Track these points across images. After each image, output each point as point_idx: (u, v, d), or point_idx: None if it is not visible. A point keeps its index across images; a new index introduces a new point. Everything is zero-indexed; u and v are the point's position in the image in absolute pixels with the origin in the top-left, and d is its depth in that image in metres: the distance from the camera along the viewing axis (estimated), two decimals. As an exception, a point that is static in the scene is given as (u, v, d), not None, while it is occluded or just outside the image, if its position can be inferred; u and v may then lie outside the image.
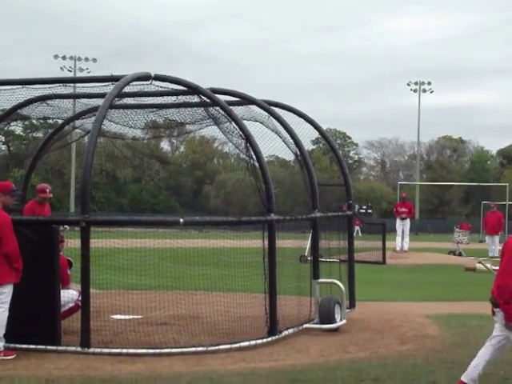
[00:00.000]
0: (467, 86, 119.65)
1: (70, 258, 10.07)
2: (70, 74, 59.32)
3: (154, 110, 11.28)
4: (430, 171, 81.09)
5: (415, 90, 70.25)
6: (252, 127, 10.52)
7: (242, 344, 8.97)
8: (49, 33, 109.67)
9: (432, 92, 70.62)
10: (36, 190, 11.67)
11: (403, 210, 26.06)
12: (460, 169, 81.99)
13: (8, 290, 8.38)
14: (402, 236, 25.71)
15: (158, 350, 8.61)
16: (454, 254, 26.93)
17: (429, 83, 70.26)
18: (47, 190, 11.65)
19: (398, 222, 25.87)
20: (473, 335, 10.17)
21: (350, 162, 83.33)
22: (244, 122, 10.13)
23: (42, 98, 11.06)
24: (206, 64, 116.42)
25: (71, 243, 10.17)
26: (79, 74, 58.80)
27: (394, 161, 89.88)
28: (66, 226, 10.01)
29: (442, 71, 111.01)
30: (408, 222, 26.01)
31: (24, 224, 8.98)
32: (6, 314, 8.35)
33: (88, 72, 60.89)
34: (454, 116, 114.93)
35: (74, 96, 11.22)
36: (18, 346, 8.56)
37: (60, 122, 12.72)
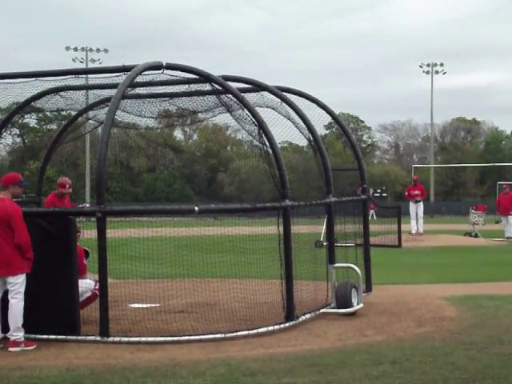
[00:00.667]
0: (480, 66, 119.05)
1: (86, 248, 10.15)
2: (82, 65, 59.44)
3: (167, 99, 11.30)
4: (445, 153, 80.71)
5: (428, 72, 69.86)
6: (264, 113, 10.52)
7: (260, 330, 9.01)
8: (59, 24, 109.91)
9: (445, 73, 70.24)
10: (57, 183, 11.68)
11: (416, 192, 25.92)
12: (474, 150, 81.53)
13: (21, 280, 8.47)
14: (416, 219, 25.62)
15: (176, 338, 8.66)
16: (470, 236, 26.84)
17: (441, 64, 69.85)
18: (66, 186, 11.61)
19: (412, 205, 25.75)
20: (490, 316, 10.16)
21: (364, 145, 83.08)
22: (256, 108, 10.12)
23: (55, 90, 11.11)
24: (216, 51, 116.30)
25: (87, 234, 10.25)
26: (91, 65, 58.91)
27: (407, 144, 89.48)
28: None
29: (455, 52, 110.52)
30: (421, 204, 25.89)
31: (41, 216, 9.05)
32: (22, 303, 8.45)
33: (100, 63, 61.01)
34: (468, 97, 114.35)
35: (87, 87, 11.26)
36: (38, 336, 8.66)
37: (73, 113, 12.78)
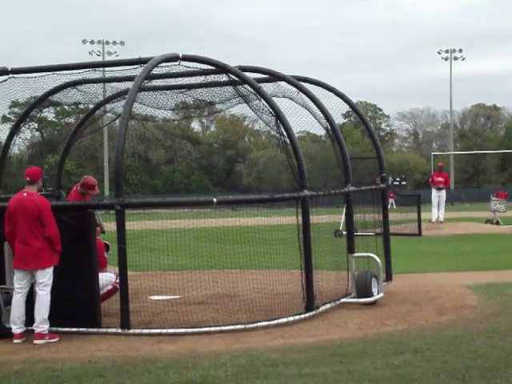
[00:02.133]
0: (500, 51, 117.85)
1: (106, 242, 10.19)
2: (99, 59, 59.66)
3: (184, 90, 11.28)
4: (464, 140, 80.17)
5: (446, 59, 69.38)
6: (282, 103, 10.49)
7: (280, 320, 9.01)
8: (76, 18, 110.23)
9: (463, 59, 69.78)
10: (82, 183, 10.74)
11: (439, 179, 25.70)
12: (495, 136, 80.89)
13: (50, 273, 8.56)
14: (437, 207, 25.45)
15: (197, 329, 8.69)
16: (491, 223, 26.63)
17: (460, 50, 69.34)
18: (96, 187, 10.82)
19: (434, 192, 25.55)
20: (512, 304, 10.08)
21: (382, 134, 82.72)
22: (273, 98, 10.10)
23: (73, 84, 11.14)
24: (232, 42, 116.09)
25: (107, 226, 10.30)
26: (108, 58, 59.10)
27: (426, 131, 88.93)
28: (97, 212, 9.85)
29: (473, 37, 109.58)
30: (444, 192, 25.67)
31: (60, 209, 9.09)
32: (49, 296, 8.53)
33: (116, 55, 61.22)
34: (488, 83, 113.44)
35: (104, 80, 11.27)
36: (60, 329, 8.71)
37: (91, 106, 12.81)
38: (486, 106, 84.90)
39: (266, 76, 11.06)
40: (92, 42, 63.05)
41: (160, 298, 10.93)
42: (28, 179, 8.79)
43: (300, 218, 9.42)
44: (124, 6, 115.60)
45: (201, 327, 8.76)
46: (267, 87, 10.73)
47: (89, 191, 10.70)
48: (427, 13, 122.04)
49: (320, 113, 11.11)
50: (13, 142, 12.05)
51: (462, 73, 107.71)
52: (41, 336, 8.46)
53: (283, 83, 11.11)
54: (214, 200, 8.95)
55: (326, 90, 11.65)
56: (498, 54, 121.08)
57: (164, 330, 8.67)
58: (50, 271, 8.56)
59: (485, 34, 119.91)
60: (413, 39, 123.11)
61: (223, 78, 10.00)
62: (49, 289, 8.54)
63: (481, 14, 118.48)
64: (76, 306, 8.73)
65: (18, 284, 8.60)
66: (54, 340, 8.49)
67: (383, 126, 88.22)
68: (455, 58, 69.19)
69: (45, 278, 8.53)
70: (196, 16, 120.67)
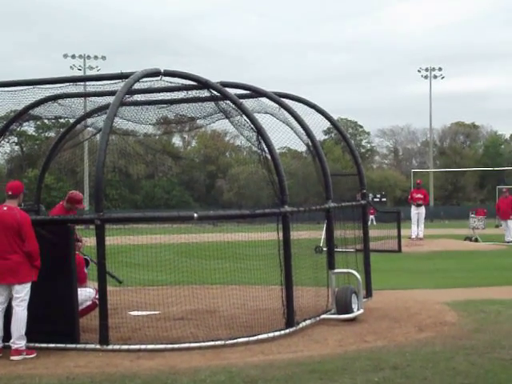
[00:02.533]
0: (479, 71, 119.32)
1: (86, 257, 10.12)
2: (80, 73, 59.51)
3: (165, 105, 11.29)
4: (444, 157, 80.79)
5: (426, 77, 70.07)
6: (263, 119, 10.52)
7: (260, 336, 8.99)
8: (57, 32, 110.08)
9: (443, 78, 70.51)
10: (69, 197, 10.57)
11: (418, 196, 25.91)
12: (474, 154, 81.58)
13: (28, 289, 8.48)
14: (417, 224, 25.60)
15: (176, 345, 8.63)
16: (470, 240, 26.81)
17: (440, 69, 70.07)
18: (82, 202, 10.74)
19: (413, 209, 25.73)
20: (491, 321, 10.14)
21: (363, 150, 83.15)
22: (255, 114, 10.12)
23: (53, 98, 11.09)
24: (214, 58, 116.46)
25: (87, 241, 10.23)
26: (89, 73, 59.01)
27: (406, 148, 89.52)
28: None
29: (453, 56, 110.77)
30: (423, 209, 25.87)
31: (40, 224, 9.02)
32: (26, 312, 8.44)
33: (98, 70, 61.13)
34: (467, 101, 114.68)
35: (85, 95, 11.25)
36: (37, 345, 8.62)
37: (72, 121, 12.77)
38: (465, 124, 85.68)
39: (248, 92, 11.10)
40: (73, 57, 62.89)
41: (139, 313, 10.86)
42: (10, 193, 8.73)
43: (280, 234, 9.42)
44: (106, 21, 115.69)
45: (180, 343, 8.71)
46: (248, 103, 10.76)
47: (76, 205, 10.60)
48: (407, 31, 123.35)
49: (301, 129, 11.15)
50: (-8, 156, 11.95)
51: (442, 91, 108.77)
52: (18, 352, 8.37)
53: (264, 99, 11.15)
54: (195, 215, 8.93)
55: (307, 107, 11.71)
56: (477, 72, 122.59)
57: (143, 346, 8.61)
58: (27, 286, 8.47)
59: (464, 52, 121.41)
60: (393, 57, 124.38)
61: (205, 93, 10.02)
62: (25, 304, 8.45)
63: (461, 33, 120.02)
64: (54, 321, 8.65)
65: (-3, 299, 8.50)
66: (31, 356, 8.39)
67: (364, 142, 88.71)
68: (435, 77, 69.91)
69: (22, 293, 8.44)
70: (177, 32, 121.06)
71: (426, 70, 69.97)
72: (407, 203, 27.61)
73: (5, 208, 8.64)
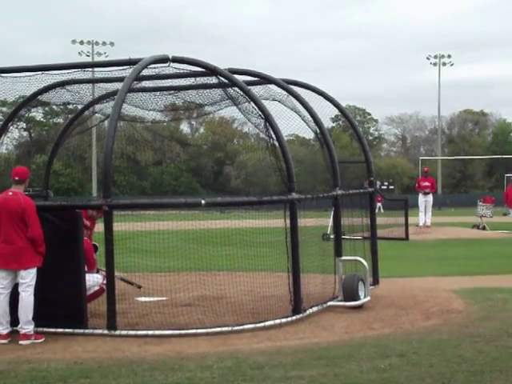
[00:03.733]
0: (488, 58, 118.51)
1: (95, 243, 10.15)
2: (88, 59, 59.43)
3: (173, 92, 11.28)
4: (452, 145, 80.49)
5: (435, 64, 69.61)
6: (271, 106, 10.50)
7: (267, 323, 9.01)
8: (66, 18, 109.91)
9: (452, 65, 69.97)
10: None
11: (426, 184, 25.83)
12: (482, 142, 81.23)
13: (33, 274, 8.51)
14: (424, 211, 25.55)
15: (183, 331, 8.68)
16: (478, 228, 26.77)
17: (449, 56, 69.58)
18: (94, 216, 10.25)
19: (421, 197, 25.66)
20: (498, 309, 10.14)
21: (371, 138, 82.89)
22: (263, 101, 10.10)
23: (61, 84, 11.11)
24: (222, 44, 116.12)
25: (95, 227, 10.26)
26: (97, 59, 58.89)
27: (414, 136, 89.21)
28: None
29: (462, 43, 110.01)
30: (431, 196, 25.79)
31: (48, 209, 9.05)
32: (33, 297, 8.49)
33: (106, 56, 60.99)
34: (475, 88, 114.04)
35: (93, 81, 11.25)
36: (45, 329, 8.68)
37: (80, 107, 12.78)
38: (473, 112, 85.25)
39: (256, 79, 11.08)
40: (81, 43, 62.77)
41: (147, 299, 10.91)
42: (16, 179, 8.75)
43: (288, 221, 9.43)
44: (115, 7, 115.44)
45: (187, 329, 8.75)
46: (256, 90, 10.74)
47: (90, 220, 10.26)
48: (416, 18, 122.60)
49: (309, 116, 11.13)
50: (0, 142, 12.00)
51: (451, 78, 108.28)
52: (26, 337, 8.43)
53: (273, 86, 11.13)
54: (203, 202, 8.94)
55: (316, 94, 11.68)
56: (485, 59, 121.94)
57: (150, 332, 8.65)
58: (32, 272, 8.51)
59: (473, 40, 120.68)
60: (402, 44, 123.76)
61: (213, 80, 10.00)
62: (32, 289, 8.49)
63: (470, 21, 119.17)
64: (62, 306, 8.70)
65: (1, 284, 8.55)
66: (39, 341, 8.45)
67: (372, 130, 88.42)
68: (444, 64, 69.44)
69: (27, 279, 8.47)
70: (186, 18, 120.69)
71: (435, 57, 69.51)
72: (415, 191, 27.53)
73: (10, 193, 8.67)
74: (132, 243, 12.77)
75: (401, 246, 18.83)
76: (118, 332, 8.62)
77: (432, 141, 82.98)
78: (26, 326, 8.45)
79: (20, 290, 8.49)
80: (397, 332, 8.76)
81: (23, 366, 7.27)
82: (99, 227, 9.07)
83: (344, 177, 11.49)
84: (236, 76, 10.03)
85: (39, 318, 8.54)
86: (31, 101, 11.70)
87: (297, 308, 9.42)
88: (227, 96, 10.30)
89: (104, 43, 63.50)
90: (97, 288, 9.47)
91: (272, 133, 9.65)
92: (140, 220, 11.73)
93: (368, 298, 10.54)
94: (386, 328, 9.02)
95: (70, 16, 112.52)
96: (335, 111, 12.38)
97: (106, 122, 11.02)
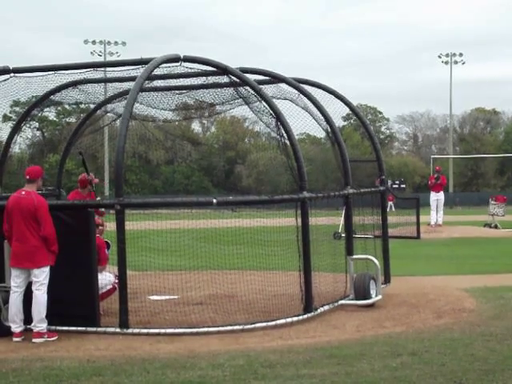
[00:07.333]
0: (500, 56, 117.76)
1: (107, 240, 10.21)
2: (100, 59, 59.58)
3: (184, 91, 11.31)
4: (464, 144, 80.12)
5: (446, 62, 69.29)
6: (282, 105, 10.53)
7: (279, 322, 9.03)
8: (78, 18, 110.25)
9: (464, 63, 69.63)
10: (78, 181, 10.82)
11: (438, 182, 25.76)
12: (494, 140, 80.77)
13: (46, 273, 8.57)
14: (436, 210, 25.49)
15: (195, 330, 8.71)
16: (490, 227, 26.64)
17: (460, 54, 69.26)
18: (90, 179, 10.69)
19: (433, 195, 25.62)
20: (510, 308, 10.11)
21: (382, 137, 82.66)
22: (274, 100, 10.12)
23: (74, 84, 11.17)
24: (233, 43, 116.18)
25: (107, 226, 10.32)
26: (109, 58, 59.06)
27: (426, 134, 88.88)
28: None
29: (474, 42, 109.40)
30: (442, 195, 25.74)
31: (60, 208, 9.11)
32: (46, 295, 8.54)
33: (118, 56, 61.15)
34: (487, 87, 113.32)
35: (105, 80, 11.30)
36: (58, 327, 8.74)
37: (92, 106, 12.84)
38: (485, 110, 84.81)
39: (267, 78, 11.10)
40: (94, 42, 62.97)
41: (159, 298, 10.95)
42: (28, 178, 8.82)
43: (299, 220, 9.45)
44: (126, 7, 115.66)
45: (199, 327, 8.78)
46: (268, 89, 10.77)
47: (87, 186, 10.71)
48: (428, 16, 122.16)
49: (320, 115, 11.14)
50: (14, 141, 12.08)
51: (462, 77, 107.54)
52: (39, 335, 8.49)
53: (283, 85, 11.15)
54: (214, 201, 8.97)
55: (327, 93, 11.69)
56: (498, 58, 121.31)
57: (162, 330, 8.69)
58: (46, 270, 8.57)
59: (485, 38, 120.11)
60: (413, 42, 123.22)
61: (224, 79, 10.03)
62: (45, 288, 8.55)
63: (481, 19, 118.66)
64: (75, 305, 8.76)
65: (15, 282, 8.62)
66: (52, 339, 8.51)
67: (383, 129, 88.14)
68: (455, 62, 69.14)
69: (40, 278, 8.54)
70: (197, 17, 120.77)
71: (447, 55, 69.21)
72: (426, 189, 27.43)
73: (23, 193, 8.73)
74: (144, 242, 12.84)
75: (412, 245, 18.78)
76: (130, 330, 8.67)
77: (443, 139, 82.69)
78: (39, 324, 8.51)
79: (33, 288, 8.55)
80: (408, 331, 8.75)
81: (36, 364, 7.32)
82: (111, 225, 9.11)
83: (355, 175, 11.50)
84: (247, 75, 10.05)
85: (52, 317, 8.60)
86: (44, 100, 11.76)
87: (308, 306, 9.44)
88: (238, 95, 10.32)
89: (116, 43, 63.67)
90: (109, 287, 9.54)
91: (283, 131, 9.67)
92: (152, 219, 11.79)
93: (379, 297, 10.54)
94: (397, 327, 9.02)
95: (82, 16, 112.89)
96: (346, 110, 12.38)
97: (118, 122, 11.06)
